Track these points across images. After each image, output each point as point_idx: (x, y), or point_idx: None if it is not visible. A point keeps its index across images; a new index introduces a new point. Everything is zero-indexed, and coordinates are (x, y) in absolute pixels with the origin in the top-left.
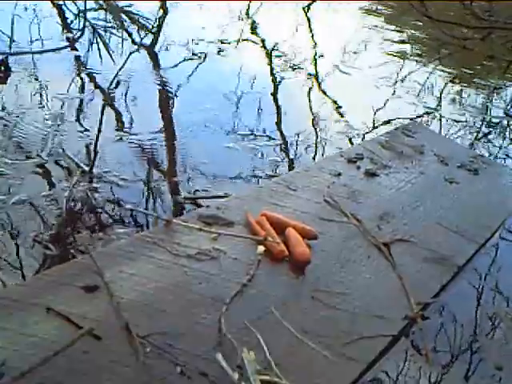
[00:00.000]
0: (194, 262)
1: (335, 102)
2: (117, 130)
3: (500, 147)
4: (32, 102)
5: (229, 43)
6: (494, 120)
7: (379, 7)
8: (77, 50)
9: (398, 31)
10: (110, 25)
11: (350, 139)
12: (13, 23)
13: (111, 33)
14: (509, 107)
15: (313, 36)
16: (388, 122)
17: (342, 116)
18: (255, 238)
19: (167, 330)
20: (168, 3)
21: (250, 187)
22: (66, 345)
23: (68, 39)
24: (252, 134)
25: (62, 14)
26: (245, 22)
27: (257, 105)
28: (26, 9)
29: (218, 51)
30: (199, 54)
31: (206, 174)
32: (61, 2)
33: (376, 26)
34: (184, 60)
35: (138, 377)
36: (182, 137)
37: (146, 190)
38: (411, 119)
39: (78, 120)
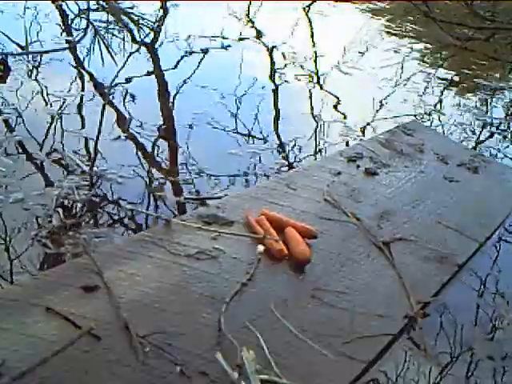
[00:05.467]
0: (193, 262)
1: (336, 102)
2: (117, 129)
3: (500, 146)
4: (32, 101)
5: (229, 43)
6: (494, 120)
7: (381, 7)
8: (77, 50)
9: (399, 32)
10: (110, 25)
11: (350, 138)
12: (13, 23)
13: (112, 33)
14: (510, 107)
15: (313, 36)
16: (388, 121)
17: (343, 115)
18: (254, 236)
19: (167, 329)
20: (168, 3)
21: (249, 186)
22: (66, 345)
23: (69, 39)
24: (252, 133)
25: (63, 14)
26: (245, 22)
27: (257, 104)
28: (26, 8)
29: (219, 51)
30: (199, 54)
31: (206, 173)
32: (62, 3)
33: (377, 27)
34: (184, 60)
35: (137, 376)
36: (182, 136)
37: (145, 189)
38: (412, 117)
39: (78, 119)
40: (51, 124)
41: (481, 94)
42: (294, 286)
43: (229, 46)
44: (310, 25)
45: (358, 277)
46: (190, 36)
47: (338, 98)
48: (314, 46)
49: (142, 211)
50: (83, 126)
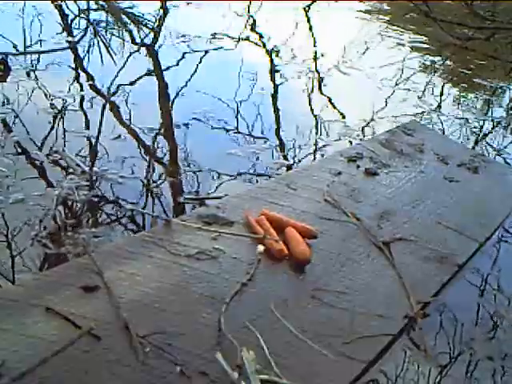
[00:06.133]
0: (193, 262)
1: (335, 102)
2: (117, 129)
3: (500, 146)
4: (32, 101)
5: (229, 43)
6: (494, 120)
7: (381, 7)
8: (77, 50)
9: (399, 32)
10: (110, 25)
11: (350, 139)
12: (13, 23)
13: (112, 33)
14: (510, 107)
15: (313, 36)
16: (388, 121)
17: (343, 116)
18: (254, 236)
19: (167, 329)
20: (168, 3)
21: (249, 186)
22: (66, 345)
23: (69, 39)
24: (252, 133)
25: (62, 14)
26: (245, 22)
27: (257, 104)
28: (25, 8)
29: (218, 51)
30: (199, 54)
31: (206, 173)
32: (62, 3)
33: (378, 27)
34: (184, 60)
35: (137, 376)
36: (181, 136)
37: (145, 189)
38: (412, 117)
39: (78, 119)
40: (51, 124)
41: (481, 93)
42: (294, 286)
43: (227, 49)
44: (310, 25)
45: (358, 277)
46: (189, 36)
47: (338, 99)
48: (314, 45)
49: (142, 211)
50: (83, 126)
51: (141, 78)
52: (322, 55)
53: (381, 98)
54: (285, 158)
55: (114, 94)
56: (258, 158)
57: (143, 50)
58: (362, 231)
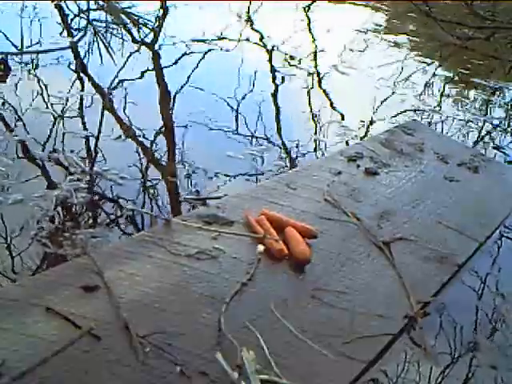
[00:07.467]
0: (193, 262)
1: (335, 102)
2: (117, 129)
3: (500, 146)
4: (32, 101)
5: (229, 43)
6: (494, 119)
7: (380, 7)
8: (77, 50)
9: (399, 31)
10: (110, 25)
11: (349, 138)
12: (13, 23)
13: (112, 33)
14: (509, 107)
15: (313, 36)
16: (388, 121)
17: (342, 116)
18: (254, 236)
19: (167, 329)
20: (168, 3)
21: (249, 186)
22: (66, 345)
23: (68, 39)
24: (252, 134)
25: (62, 14)
26: (245, 22)
27: (257, 104)
28: (25, 8)
29: (218, 51)
30: (199, 54)
31: (206, 173)
32: (61, 3)
33: (377, 26)
34: (184, 60)
35: (137, 376)
36: (181, 136)
37: (145, 189)
38: (412, 117)
39: (78, 119)
40: (51, 124)
41: (481, 93)
42: (294, 286)
43: (227, 50)
44: (310, 25)
45: (358, 277)
46: (189, 36)
47: (337, 99)
48: (313, 45)
49: (142, 211)
50: (83, 127)
51: (138, 79)
52: (322, 53)
53: (380, 97)
54: (285, 157)
55: (114, 94)
56: (257, 159)
57: (143, 50)
58: (361, 231)
